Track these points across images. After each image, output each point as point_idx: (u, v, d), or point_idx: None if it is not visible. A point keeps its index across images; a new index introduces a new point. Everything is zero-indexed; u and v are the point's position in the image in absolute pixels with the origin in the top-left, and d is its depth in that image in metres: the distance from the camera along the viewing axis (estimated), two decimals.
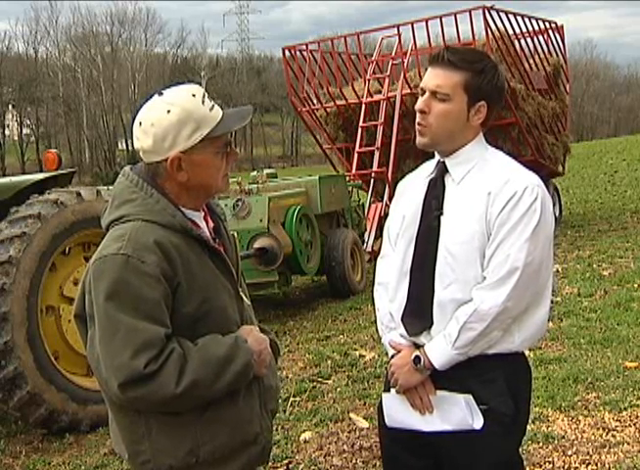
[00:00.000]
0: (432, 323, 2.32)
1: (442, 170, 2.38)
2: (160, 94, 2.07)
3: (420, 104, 2.34)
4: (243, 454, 2.11)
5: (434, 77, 2.32)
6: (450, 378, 2.30)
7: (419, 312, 2.34)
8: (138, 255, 1.95)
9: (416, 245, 2.36)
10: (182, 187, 2.07)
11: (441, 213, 2.32)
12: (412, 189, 2.47)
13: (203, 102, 2.04)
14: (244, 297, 2.22)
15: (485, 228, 2.26)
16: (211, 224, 2.21)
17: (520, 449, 2.52)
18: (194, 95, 2.04)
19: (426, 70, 2.40)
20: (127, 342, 1.90)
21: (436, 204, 2.34)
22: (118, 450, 2.16)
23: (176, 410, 2.01)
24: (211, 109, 2.06)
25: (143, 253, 1.95)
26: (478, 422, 2.28)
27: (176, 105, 2.01)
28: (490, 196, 2.26)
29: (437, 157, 2.42)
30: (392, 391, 2.43)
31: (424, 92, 2.34)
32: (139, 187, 2.05)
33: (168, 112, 2.00)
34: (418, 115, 2.34)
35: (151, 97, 2.10)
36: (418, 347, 2.35)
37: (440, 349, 2.28)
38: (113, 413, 2.11)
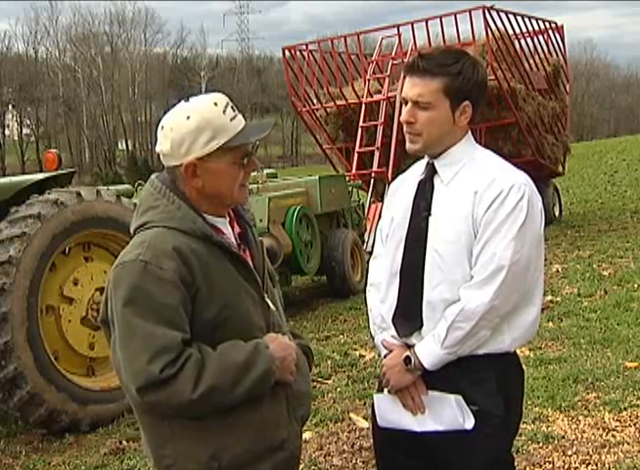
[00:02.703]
0: (422, 324, 2.32)
1: (432, 172, 2.38)
2: (187, 100, 2.10)
3: (405, 115, 2.34)
4: (267, 460, 2.09)
5: (412, 87, 2.31)
6: (442, 378, 2.30)
7: (409, 314, 2.34)
8: (156, 261, 1.96)
9: (405, 246, 2.36)
10: (199, 193, 2.08)
11: (429, 215, 2.32)
12: (403, 190, 2.47)
13: (224, 111, 2.05)
14: (269, 303, 2.19)
15: (472, 228, 2.25)
16: (238, 230, 2.20)
17: (512, 448, 2.51)
18: (216, 104, 2.06)
19: None
20: (144, 347, 1.92)
21: (425, 205, 2.34)
22: (146, 453, 2.17)
23: (195, 415, 2.01)
24: (233, 119, 2.06)
25: (161, 259, 1.96)
26: (469, 422, 2.27)
27: (196, 112, 2.04)
28: (477, 195, 2.26)
29: (427, 158, 2.42)
30: (385, 391, 2.43)
31: (406, 102, 2.33)
32: (162, 194, 2.08)
33: (188, 118, 2.03)
34: (405, 125, 2.35)
35: (179, 102, 2.14)
36: (409, 347, 2.35)
37: (430, 349, 2.28)
38: (138, 416, 2.12)
